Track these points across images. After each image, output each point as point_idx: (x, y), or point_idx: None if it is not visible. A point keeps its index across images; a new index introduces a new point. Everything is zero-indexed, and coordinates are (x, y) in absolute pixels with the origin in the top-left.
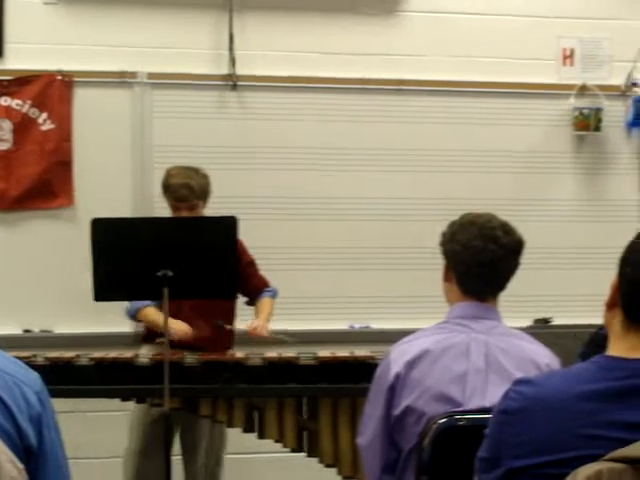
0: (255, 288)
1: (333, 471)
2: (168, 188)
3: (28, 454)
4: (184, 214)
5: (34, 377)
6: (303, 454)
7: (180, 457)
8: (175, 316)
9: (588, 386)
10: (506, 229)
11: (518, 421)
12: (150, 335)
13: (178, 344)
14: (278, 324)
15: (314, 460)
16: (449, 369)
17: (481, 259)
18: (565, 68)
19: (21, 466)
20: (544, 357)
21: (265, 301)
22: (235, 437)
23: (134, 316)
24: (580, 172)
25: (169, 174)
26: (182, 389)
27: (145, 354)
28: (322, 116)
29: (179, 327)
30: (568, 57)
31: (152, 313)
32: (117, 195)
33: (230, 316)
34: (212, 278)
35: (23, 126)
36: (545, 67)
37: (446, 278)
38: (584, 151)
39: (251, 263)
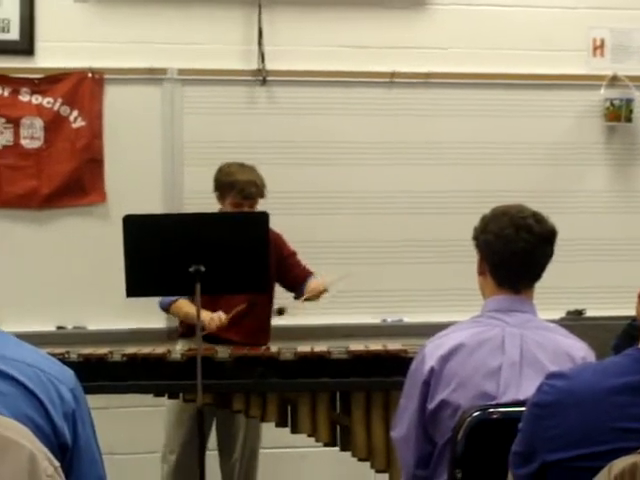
0: (298, 277)
1: (366, 465)
2: (234, 185)
3: (63, 451)
4: (246, 210)
5: (68, 374)
6: (336, 448)
7: (215, 452)
8: (212, 311)
9: (620, 379)
10: (538, 218)
11: (552, 414)
12: (188, 331)
13: (215, 338)
14: (311, 318)
15: (347, 454)
16: (484, 363)
17: (514, 248)
18: (595, 59)
19: (57, 463)
20: (580, 350)
21: (313, 281)
22: (268, 432)
23: (166, 309)
24: (611, 163)
25: (231, 170)
26: (215, 384)
27: (178, 349)
28: (351, 110)
29: (211, 317)
30: (598, 48)
31: (184, 305)
32: (148, 191)
33: (267, 310)
34: (244, 273)
35: (54, 124)
36: (575, 58)
37: (480, 271)
38: (615, 142)
39: (292, 254)
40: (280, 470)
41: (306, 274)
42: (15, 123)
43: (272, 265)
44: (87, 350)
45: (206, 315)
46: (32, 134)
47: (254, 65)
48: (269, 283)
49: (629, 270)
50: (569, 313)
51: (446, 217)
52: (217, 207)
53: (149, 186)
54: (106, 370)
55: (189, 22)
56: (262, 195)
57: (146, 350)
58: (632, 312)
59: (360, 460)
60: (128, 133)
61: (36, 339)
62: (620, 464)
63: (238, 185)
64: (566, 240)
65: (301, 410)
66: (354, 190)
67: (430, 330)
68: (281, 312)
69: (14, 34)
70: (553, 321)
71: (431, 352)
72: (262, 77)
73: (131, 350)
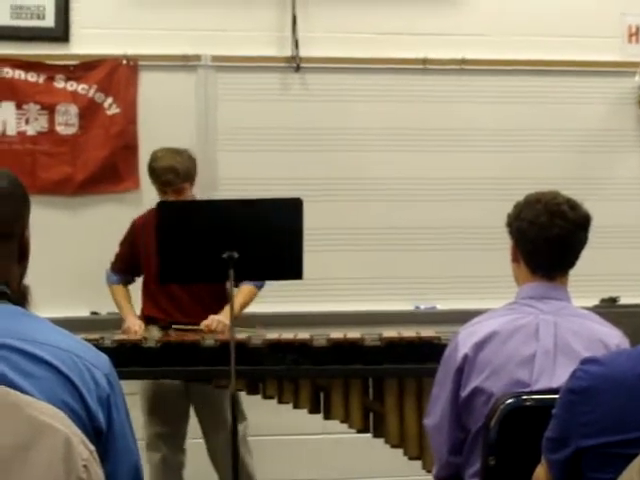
0: None
1: (399, 452)
2: (153, 171)
3: (98, 435)
4: (171, 198)
5: (103, 359)
6: (369, 435)
7: (194, 440)
8: (171, 298)
9: None
10: (572, 204)
11: (586, 400)
12: (149, 319)
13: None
14: (344, 304)
15: (380, 441)
16: (518, 351)
17: (548, 235)
18: (630, 45)
19: (92, 447)
20: (614, 338)
21: (241, 290)
22: (300, 418)
23: (109, 287)
24: None
25: (154, 157)
26: (248, 371)
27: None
28: (385, 97)
29: (132, 325)
30: (633, 34)
31: (117, 295)
32: None
33: (222, 301)
34: (277, 260)
35: (89, 111)
36: (609, 44)
37: (514, 259)
38: None
39: None
40: (311, 455)
41: None
42: (50, 110)
43: None
44: (121, 336)
45: (131, 323)
46: (67, 120)
47: (288, 52)
48: (302, 270)
49: None
50: (603, 301)
51: (480, 204)
52: (252, 193)
53: None
54: (140, 356)
55: (223, 9)
56: (185, 181)
57: (178, 336)
58: None
59: (393, 447)
60: (162, 120)
61: (70, 325)
62: None
63: (156, 172)
64: (600, 227)
65: (334, 397)
66: (387, 177)
67: (463, 317)
68: None
69: (49, 21)
70: (587, 309)
71: (464, 339)
72: (296, 64)
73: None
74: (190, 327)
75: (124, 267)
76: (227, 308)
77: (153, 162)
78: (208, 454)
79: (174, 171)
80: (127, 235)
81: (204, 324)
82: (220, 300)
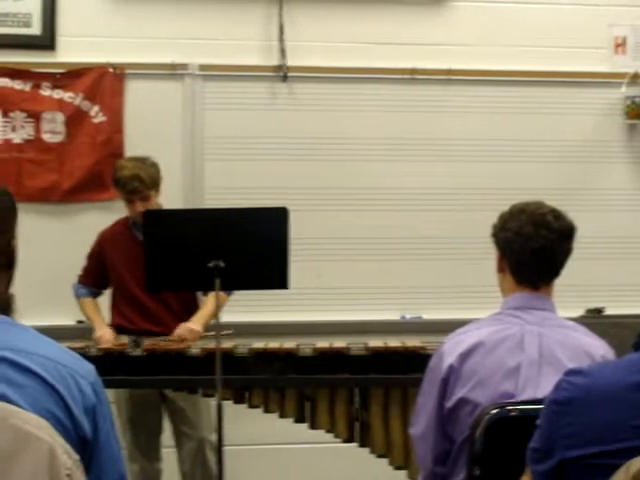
0: None
1: (384, 461)
2: (118, 181)
3: (83, 445)
4: (139, 207)
5: (89, 368)
6: (355, 444)
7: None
8: (139, 308)
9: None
10: (556, 214)
11: (570, 411)
12: (119, 329)
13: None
14: (330, 314)
15: (365, 451)
16: (503, 361)
17: (533, 245)
18: (617, 56)
19: (76, 457)
20: (599, 349)
21: (209, 298)
22: (286, 427)
23: (77, 300)
24: (632, 161)
25: (118, 167)
26: (234, 380)
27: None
28: (372, 106)
29: (103, 336)
30: (620, 45)
31: (87, 308)
32: (168, 186)
33: (191, 309)
34: (263, 269)
35: (75, 119)
36: (596, 56)
37: (499, 269)
38: (636, 140)
39: None
40: (297, 465)
41: None
42: (36, 117)
43: None
44: (106, 345)
45: (101, 333)
46: (53, 129)
47: (275, 61)
48: (288, 279)
49: None
50: (589, 311)
51: (466, 214)
52: (238, 202)
53: (169, 181)
54: (126, 364)
55: (210, 17)
56: (150, 189)
57: (164, 344)
58: None
59: (379, 457)
60: (149, 128)
61: (56, 333)
62: (638, 462)
63: (121, 181)
64: (586, 238)
65: (320, 406)
66: (374, 186)
67: (449, 327)
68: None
69: (36, 29)
70: (573, 319)
71: (450, 349)
72: (283, 73)
73: (150, 343)
74: (163, 339)
75: (92, 280)
76: (197, 315)
77: (117, 172)
78: (179, 463)
79: (139, 179)
80: (94, 247)
81: (176, 334)
82: (189, 308)
